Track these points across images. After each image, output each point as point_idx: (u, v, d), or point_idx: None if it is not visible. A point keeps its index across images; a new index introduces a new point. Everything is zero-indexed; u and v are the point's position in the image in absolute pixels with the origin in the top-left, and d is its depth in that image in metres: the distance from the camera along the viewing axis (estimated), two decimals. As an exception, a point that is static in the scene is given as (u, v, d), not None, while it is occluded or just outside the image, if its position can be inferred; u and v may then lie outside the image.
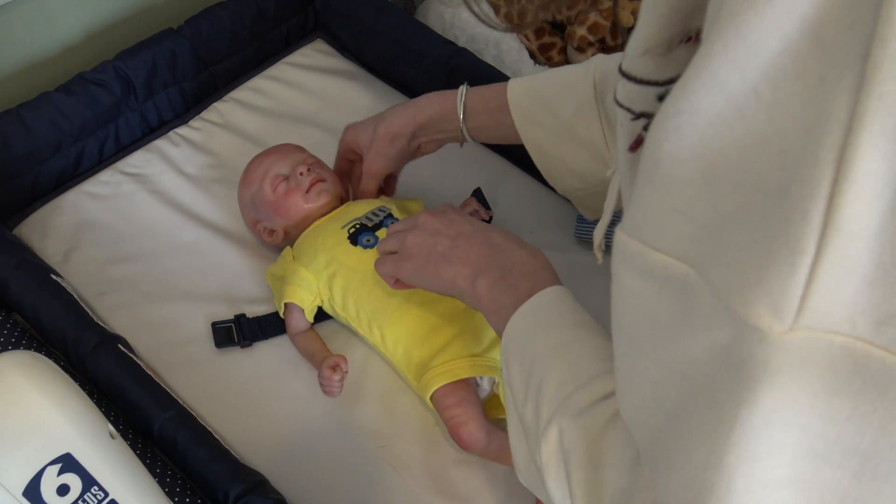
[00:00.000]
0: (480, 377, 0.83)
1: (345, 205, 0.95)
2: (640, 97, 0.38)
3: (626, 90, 0.39)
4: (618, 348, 0.42)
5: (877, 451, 0.32)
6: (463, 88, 0.88)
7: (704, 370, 0.34)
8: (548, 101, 0.82)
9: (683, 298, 0.34)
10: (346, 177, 0.99)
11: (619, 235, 0.37)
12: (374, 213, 0.91)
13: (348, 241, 0.89)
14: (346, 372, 0.86)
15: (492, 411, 0.84)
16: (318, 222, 0.93)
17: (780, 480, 0.34)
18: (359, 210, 0.92)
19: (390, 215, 0.91)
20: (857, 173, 0.28)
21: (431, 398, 0.81)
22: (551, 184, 0.88)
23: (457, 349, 0.82)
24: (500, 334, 0.65)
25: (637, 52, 0.38)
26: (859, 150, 0.27)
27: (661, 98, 0.36)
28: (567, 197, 0.90)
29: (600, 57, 0.82)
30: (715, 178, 0.31)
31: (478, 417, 0.80)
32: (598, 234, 0.57)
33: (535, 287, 0.64)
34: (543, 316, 0.61)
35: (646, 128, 0.37)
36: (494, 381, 0.84)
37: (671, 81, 0.34)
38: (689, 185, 0.32)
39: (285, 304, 0.90)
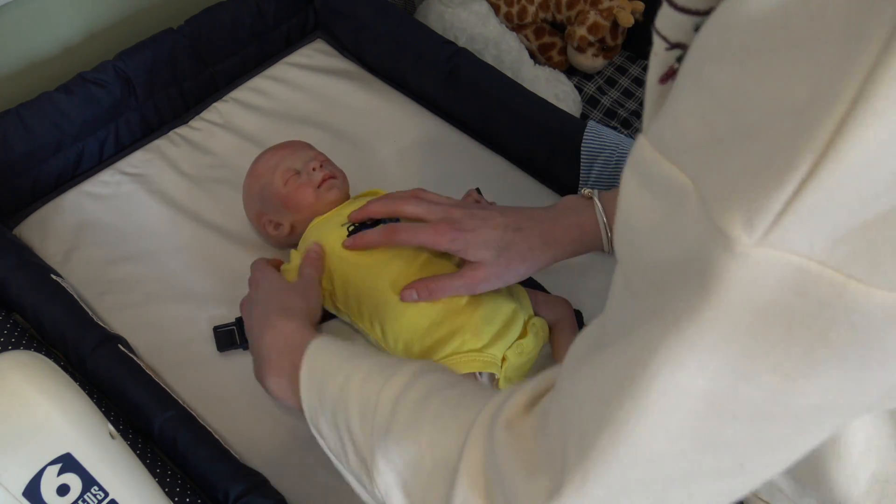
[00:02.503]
0: (480, 373, 0.83)
1: (344, 203, 0.95)
2: (679, 26, 0.37)
3: (666, 17, 0.38)
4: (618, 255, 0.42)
5: (799, 373, 0.32)
6: (598, 205, 0.81)
7: (668, 274, 0.34)
8: None
9: (672, 207, 0.33)
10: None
11: (640, 140, 0.35)
12: None
13: (348, 238, 0.89)
14: None
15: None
16: (317, 220, 0.93)
17: (698, 390, 0.34)
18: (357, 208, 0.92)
19: None
20: (876, 99, 0.26)
21: (432, 396, 0.81)
22: None
23: (457, 345, 0.82)
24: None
25: None
26: (885, 75, 0.25)
27: (697, 28, 0.34)
28: None
29: None
30: (745, 86, 0.30)
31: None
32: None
33: (298, 357, 0.68)
34: (316, 374, 0.65)
35: (679, 59, 0.36)
36: (495, 377, 0.84)
37: (710, 11, 0.33)
38: (720, 89, 0.31)
39: None
